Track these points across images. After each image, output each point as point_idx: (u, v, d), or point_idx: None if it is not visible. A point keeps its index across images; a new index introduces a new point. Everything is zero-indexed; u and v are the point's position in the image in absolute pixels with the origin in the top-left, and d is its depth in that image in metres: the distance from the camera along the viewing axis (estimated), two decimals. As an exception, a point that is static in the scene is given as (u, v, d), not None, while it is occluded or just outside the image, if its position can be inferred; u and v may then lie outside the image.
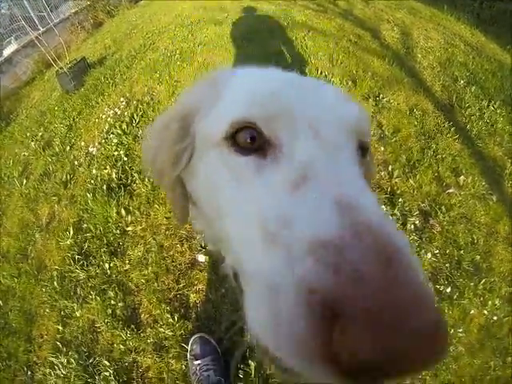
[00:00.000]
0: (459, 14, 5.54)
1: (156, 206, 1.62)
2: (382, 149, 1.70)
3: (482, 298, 1.34)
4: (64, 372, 1.30)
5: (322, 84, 0.38)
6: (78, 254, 1.58)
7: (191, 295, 1.28)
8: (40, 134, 2.70)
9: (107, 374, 1.23)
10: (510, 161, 2.01)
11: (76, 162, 2.15)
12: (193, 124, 0.39)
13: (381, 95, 2.09)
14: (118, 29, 5.64)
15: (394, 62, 2.62)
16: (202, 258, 1.32)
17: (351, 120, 0.33)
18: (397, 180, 1.57)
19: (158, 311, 1.27)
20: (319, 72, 2.26)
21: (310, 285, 0.19)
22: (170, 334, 1.19)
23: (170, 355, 1.17)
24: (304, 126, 0.31)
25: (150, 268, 1.40)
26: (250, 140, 0.32)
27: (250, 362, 1.08)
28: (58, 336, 1.41)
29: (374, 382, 0.19)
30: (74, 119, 2.67)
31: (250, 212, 0.29)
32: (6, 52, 4.64)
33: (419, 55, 3.03)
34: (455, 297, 1.30)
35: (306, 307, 0.19)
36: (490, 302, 1.33)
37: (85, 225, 1.69)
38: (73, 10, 7.55)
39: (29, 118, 3.13)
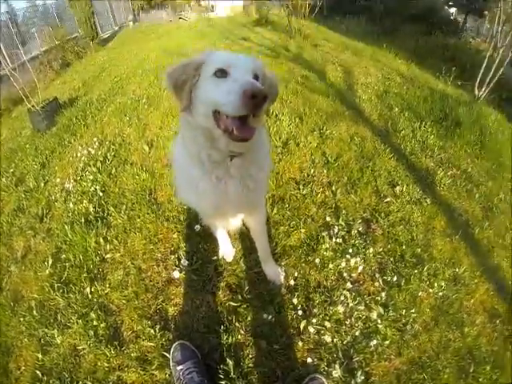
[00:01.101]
0: (397, 50, 6.56)
1: (133, 233, 1.86)
2: (325, 172, 2.12)
3: (428, 282, 1.65)
4: (45, 403, 1.34)
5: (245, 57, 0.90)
6: (58, 283, 1.72)
7: (169, 308, 1.49)
8: (11, 170, 2.89)
9: (91, 396, 1.33)
10: (440, 169, 2.52)
11: (52, 198, 2.34)
12: (200, 68, 0.86)
13: (324, 128, 2.59)
14: (86, 70, 6.26)
15: (336, 99, 3.21)
16: (177, 274, 1.56)
17: (252, 66, 0.85)
18: (340, 197, 1.96)
19: (140, 327, 1.44)
20: (271, 112, 2.75)
21: (246, 91, 0.70)
22: (153, 345, 1.38)
23: (154, 367, 1.34)
24: (236, 68, 0.80)
25: (129, 289, 1.59)
26: (220, 73, 0.81)
27: (228, 360, 1.31)
28: (38, 365, 1.47)
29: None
30: (46, 158, 2.91)
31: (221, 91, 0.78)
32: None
33: (359, 90, 3.69)
34: (403, 284, 1.60)
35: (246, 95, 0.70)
36: (436, 284, 1.64)
37: (63, 255, 1.86)
38: (43, 49, 8.27)
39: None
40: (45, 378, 1.41)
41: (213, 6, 25.23)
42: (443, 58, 6.53)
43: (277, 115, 2.74)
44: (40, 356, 1.48)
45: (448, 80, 4.92)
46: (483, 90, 3.84)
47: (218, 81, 0.80)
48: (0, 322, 1.65)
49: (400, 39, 7.81)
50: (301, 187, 2.02)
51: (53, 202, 2.32)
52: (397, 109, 3.32)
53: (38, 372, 1.44)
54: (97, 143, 2.79)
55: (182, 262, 1.60)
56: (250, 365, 1.31)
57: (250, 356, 1.32)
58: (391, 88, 3.98)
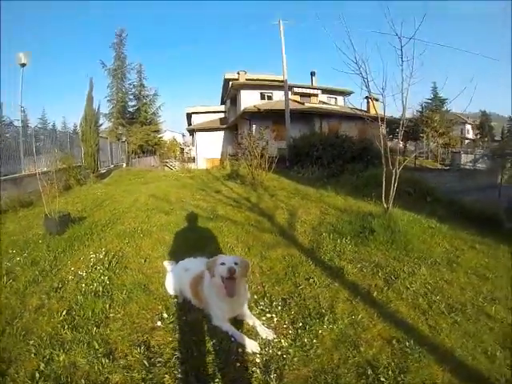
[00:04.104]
0: (340, 188, 9.20)
1: (130, 305, 3.14)
2: (258, 276, 3.79)
3: (329, 326, 2.89)
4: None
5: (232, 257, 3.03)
6: (68, 325, 2.76)
7: (152, 341, 2.61)
8: (25, 254, 4.31)
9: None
10: (350, 264, 4.17)
11: (66, 278, 3.61)
12: (216, 261, 2.86)
13: (265, 253, 4.44)
14: (87, 199, 8.89)
15: (277, 233, 5.28)
16: (159, 323, 2.87)
17: (233, 260, 2.85)
18: (268, 289, 3.49)
19: (129, 350, 2.49)
20: (228, 246, 4.75)
21: (228, 268, 2.71)
22: (137, 358, 2.38)
23: (134, 371, 2.27)
24: (227, 261, 2.78)
25: (125, 331, 2.73)
26: (222, 263, 2.79)
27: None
28: (37, 371, 2.24)
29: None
30: (58, 253, 4.32)
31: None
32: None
33: (298, 226, 5.76)
34: (307, 328, 2.86)
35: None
36: (335, 327, 2.87)
37: (74, 312, 2.98)
38: (49, 168, 10.53)
39: (8, 241, 5.03)
40: (42, 378, 2.19)
41: (194, 158, 32.01)
42: (375, 185, 9.19)
43: (232, 248, 4.70)
44: (42, 365, 2.31)
45: (373, 202, 7.23)
46: (389, 202, 5.76)
47: (221, 266, 2.70)
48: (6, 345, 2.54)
49: (344, 178, 10.94)
50: (242, 285, 3.64)
51: (66, 281, 3.60)
52: (325, 233, 5.26)
53: (36, 373, 2.22)
54: (103, 252, 4.35)
55: (163, 315, 2.99)
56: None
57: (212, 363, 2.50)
58: (325, 220, 6.09)
